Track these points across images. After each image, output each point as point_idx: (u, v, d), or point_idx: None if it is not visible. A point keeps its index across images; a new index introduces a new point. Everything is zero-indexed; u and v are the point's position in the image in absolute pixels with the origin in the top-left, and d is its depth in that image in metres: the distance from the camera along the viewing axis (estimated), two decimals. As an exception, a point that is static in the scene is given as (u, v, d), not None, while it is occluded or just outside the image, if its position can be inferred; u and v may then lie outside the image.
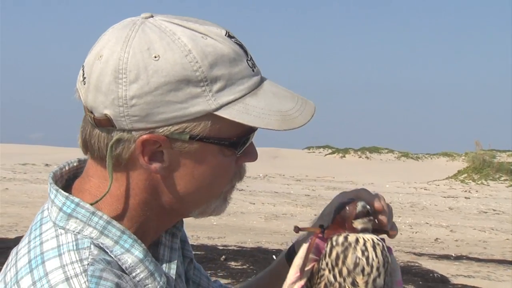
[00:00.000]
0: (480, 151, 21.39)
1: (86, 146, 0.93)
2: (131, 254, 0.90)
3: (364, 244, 0.97)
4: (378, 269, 0.96)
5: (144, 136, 0.88)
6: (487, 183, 18.63)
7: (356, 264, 0.96)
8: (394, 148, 24.67)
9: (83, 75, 0.90)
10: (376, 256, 0.96)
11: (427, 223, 11.87)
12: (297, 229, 1.04)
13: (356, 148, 24.92)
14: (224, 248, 8.67)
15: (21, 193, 13.23)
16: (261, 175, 18.18)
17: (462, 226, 11.66)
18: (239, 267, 7.64)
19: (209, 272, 7.39)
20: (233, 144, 0.92)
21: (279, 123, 0.90)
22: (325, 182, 18.42)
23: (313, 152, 24.93)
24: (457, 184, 18.57)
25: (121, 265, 0.89)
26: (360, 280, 0.96)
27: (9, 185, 14.14)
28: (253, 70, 0.92)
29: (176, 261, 0.99)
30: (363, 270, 0.96)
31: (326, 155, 24.37)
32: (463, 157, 22.47)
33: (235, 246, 8.91)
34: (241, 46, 0.92)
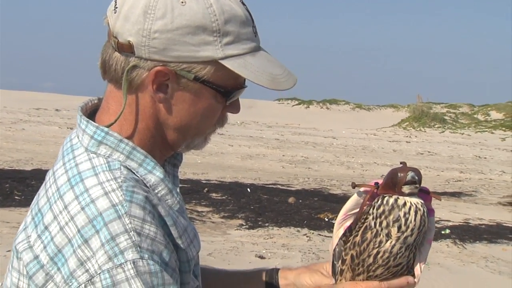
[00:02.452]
0: (420, 104, 21.57)
1: (104, 67, 0.92)
2: (153, 174, 0.91)
3: (409, 208, 0.97)
4: (412, 230, 0.98)
5: (158, 67, 0.88)
6: (424, 130, 18.87)
7: (395, 221, 0.97)
8: (350, 100, 24.71)
9: (115, 5, 0.90)
10: (415, 219, 0.97)
11: (375, 163, 12.06)
12: (354, 185, 1.04)
13: (318, 100, 24.89)
14: (207, 182, 8.72)
15: (35, 133, 13.05)
16: (238, 122, 18.16)
17: (403, 165, 11.86)
18: (219, 197, 7.71)
19: (193, 201, 7.44)
20: (226, 93, 0.92)
21: (268, 82, 0.91)
22: (292, 128, 18.48)
23: (283, 103, 24.86)
24: (400, 130, 18.77)
25: (146, 183, 0.90)
26: (394, 233, 0.98)
27: (25, 126, 13.92)
28: (255, 36, 0.93)
29: (178, 186, 1.01)
30: (399, 227, 0.97)
31: (293, 105, 24.34)
32: (406, 108, 22.63)
33: (216, 180, 8.97)
34: (250, 14, 0.93)
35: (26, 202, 6.40)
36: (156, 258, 0.83)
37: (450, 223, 7.03)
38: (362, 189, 1.05)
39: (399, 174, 0.98)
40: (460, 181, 10.76)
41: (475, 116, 21.23)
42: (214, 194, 7.82)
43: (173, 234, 0.88)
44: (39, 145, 11.48)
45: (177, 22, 0.87)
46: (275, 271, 1.17)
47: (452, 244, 6.09)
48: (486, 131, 18.10)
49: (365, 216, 1.02)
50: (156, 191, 0.90)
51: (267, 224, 6.42)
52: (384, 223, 0.98)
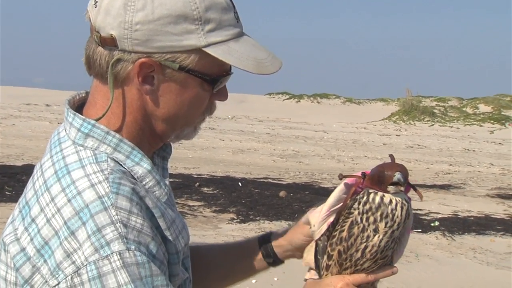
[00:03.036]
0: (410, 97, 21.65)
1: (89, 62, 0.92)
2: (141, 166, 0.90)
3: (396, 204, 0.99)
4: (398, 224, 0.99)
5: (142, 59, 0.88)
6: (414, 123, 18.96)
7: (382, 217, 0.99)
8: (340, 95, 24.76)
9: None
10: (401, 214, 0.99)
11: (366, 156, 12.10)
12: (340, 176, 1.05)
13: (309, 94, 24.91)
14: (198, 176, 8.72)
15: (26, 128, 12.96)
16: (229, 116, 18.13)
17: (393, 158, 11.92)
18: (211, 192, 7.71)
19: (185, 196, 7.44)
20: (212, 81, 0.92)
21: (254, 67, 0.90)
22: (283, 122, 18.49)
23: (273, 97, 24.85)
24: (390, 124, 18.85)
25: (133, 175, 0.89)
26: (381, 228, 0.99)
27: (15, 122, 13.82)
28: (237, 22, 0.93)
29: (168, 178, 1.00)
30: (386, 223, 0.99)
31: (284, 100, 24.34)
32: (396, 102, 22.72)
33: (207, 175, 8.96)
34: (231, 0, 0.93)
35: (16, 197, 6.35)
36: (143, 249, 0.83)
37: (439, 216, 7.08)
38: (348, 180, 1.05)
39: (386, 172, 0.99)
40: (449, 173, 10.83)
41: (464, 109, 21.36)
42: (205, 189, 7.81)
43: (161, 226, 0.88)
44: (30, 140, 11.41)
45: (157, 12, 0.86)
46: (270, 247, 1.16)
47: (441, 236, 6.14)
48: (475, 124, 18.22)
49: (349, 211, 1.02)
50: (144, 182, 0.90)
51: (258, 218, 6.44)
52: (372, 219, 0.99)
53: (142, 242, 0.83)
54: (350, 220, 1.01)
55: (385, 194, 1.00)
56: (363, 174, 1.03)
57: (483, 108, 21.00)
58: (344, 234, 1.01)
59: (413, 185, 1.04)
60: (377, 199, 0.99)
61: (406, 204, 1.00)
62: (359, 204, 1.01)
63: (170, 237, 0.89)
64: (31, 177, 0.94)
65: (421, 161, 11.87)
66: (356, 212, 1.01)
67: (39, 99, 19.31)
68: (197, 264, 1.06)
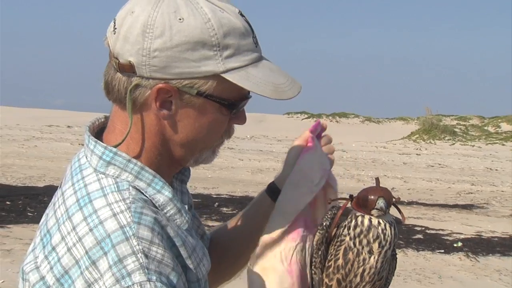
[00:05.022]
0: (430, 116, 21.47)
1: (108, 88, 0.92)
2: (162, 194, 0.90)
3: (385, 225, 1.02)
4: (390, 243, 1.02)
5: (160, 85, 0.88)
6: (434, 142, 18.76)
7: (375, 238, 1.01)
8: (359, 114, 24.68)
9: (114, 26, 0.90)
10: (391, 234, 1.02)
11: (385, 175, 11.99)
12: (329, 200, 1.09)
13: (328, 113, 24.89)
14: (217, 196, 8.72)
15: (47, 149, 13.14)
16: (248, 136, 18.17)
17: (413, 177, 11.79)
18: (230, 212, 7.70)
19: (204, 216, 7.44)
20: (230, 106, 0.92)
21: (272, 92, 0.90)
22: (301, 141, 18.42)
23: (292, 117, 24.86)
24: (410, 143, 18.68)
25: (154, 203, 0.89)
26: (375, 249, 1.01)
27: (37, 143, 14.03)
28: (256, 46, 0.93)
29: (187, 203, 1.00)
30: (379, 243, 1.01)
31: (302, 119, 24.32)
32: (416, 121, 22.54)
33: (226, 195, 8.96)
34: (249, 24, 0.92)
35: (39, 218, 6.35)
36: (164, 280, 0.82)
37: (462, 236, 6.95)
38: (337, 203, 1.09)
39: (369, 197, 1.02)
40: (471, 193, 10.66)
41: (485, 128, 21.09)
42: (224, 209, 7.80)
43: (182, 255, 0.88)
44: (51, 161, 11.56)
45: (176, 39, 0.86)
46: (274, 187, 1.15)
47: (464, 257, 6.02)
48: (497, 143, 17.96)
49: (339, 239, 1.04)
50: (165, 211, 0.89)
51: (278, 238, 6.39)
52: (365, 241, 1.01)
53: (163, 273, 0.82)
54: (343, 247, 1.03)
55: (372, 217, 1.02)
56: (351, 196, 1.06)
57: (505, 126, 20.71)
58: (340, 261, 1.03)
59: (397, 207, 1.06)
60: (366, 221, 1.02)
61: (393, 223, 1.03)
62: (348, 229, 1.03)
63: (191, 266, 0.89)
64: (52, 204, 0.94)
65: (442, 181, 11.71)
66: (347, 238, 1.03)
67: (60, 120, 19.60)
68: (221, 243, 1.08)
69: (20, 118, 18.95)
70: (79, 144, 13.92)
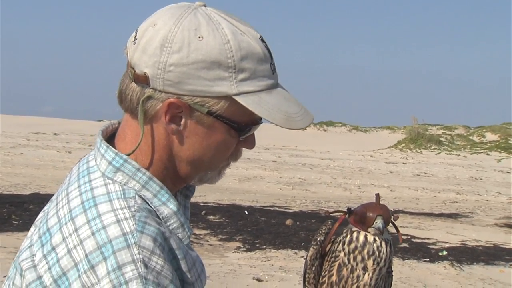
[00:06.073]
0: (416, 125, 21.64)
1: (121, 96, 0.93)
2: (167, 206, 0.90)
3: (380, 242, 1.02)
4: (385, 260, 1.02)
5: (172, 99, 0.88)
6: (420, 151, 18.90)
7: (370, 255, 1.01)
8: (346, 122, 24.80)
9: (135, 36, 0.91)
10: (386, 251, 1.02)
11: (372, 184, 12.04)
12: (327, 213, 1.09)
13: (315, 122, 24.98)
14: (205, 204, 8.69)
15: (34, 157, 13.02)
16: (236, 144, 18.12)
17: (400, 186, 11.86)
18: (217, 220, 7.68)
19: (191, 224, 7.39)
20: (240, 129, 0.92)
21: (283, 121, 0.91)
22: (289, 150, 18.49)
23: (279, 125, 24.91)
24: (396, 152, 18.80)
25: (158, 215, 0.89)
26: (370, 266, 1.01)
27: (23, 150, 13.90)
28: (273, 73, 0.93)
29: (189, 218, 1.00)
30: (374, 259, 1.01)
31: (290, 128, 24.33)
32: (402, 130, 22.71)
33: (213, 203, 8.94)
34: (269, 51, 0.93)
35: (24, 226, 6.35)
36: None
37: (447, 245, 7.00)
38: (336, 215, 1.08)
39: (368, 214, 1.01)
40: (456, 202, 10.74)
41: (471, 137, 21.30)
42: (211, 217, 7.78)
43: (182, 268, 0.88)
44: (37, 169, 11.46)
45: (192, 56, 0.87)
46: None
47: (449, 265, 6.06)
48: (482, 152, 18.13)
49: (333, 254, 1.03)
50: (168, 223, 0.90)
51: (264, 246, 6.39)
52: (359, 258, 1.01)
53: (161, 284, 0.82)
54: (337, 263, 1.02)
55: (368, 234, 1.02)
56: (349, 209, 1.05)
57: (490, 136, 20.93)
58: (334, 278, 1.02)
59: (396, 226, 1.06)
60: (361, 238, 1.01)
61: (389, 240, 1.02)
62: (343, 244, 1.02)
63: (190, 279, 0.89)
64: (55, 203, 0.93)
65: (428, 189, 11.79)
66: (342, 254, 1.02)
67: (47, 127, 19.45)
68: None
69: (7, 125, 18.77)
70: (66, 152, 13.80)
